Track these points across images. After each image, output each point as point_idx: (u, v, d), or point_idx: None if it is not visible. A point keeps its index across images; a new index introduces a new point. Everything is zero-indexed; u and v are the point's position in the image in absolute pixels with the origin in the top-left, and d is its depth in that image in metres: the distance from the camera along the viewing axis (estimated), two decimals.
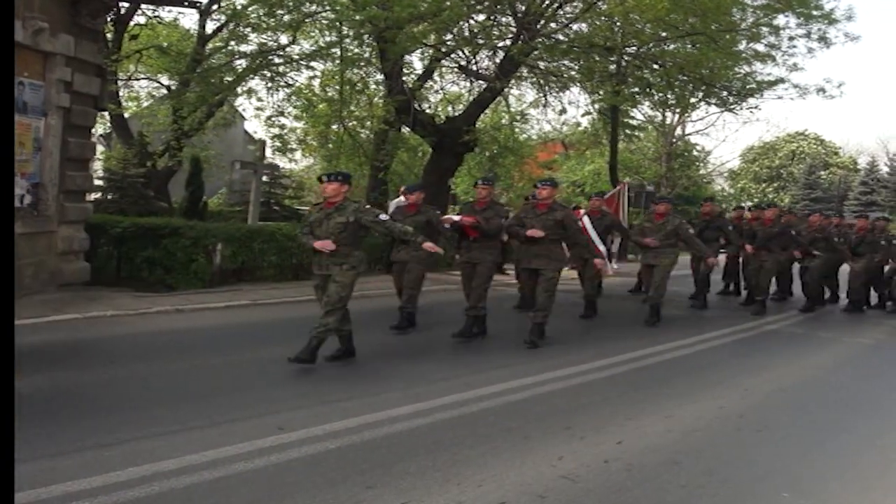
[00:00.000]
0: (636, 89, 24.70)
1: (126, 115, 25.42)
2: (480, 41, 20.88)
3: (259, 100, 23.95)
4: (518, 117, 28.34)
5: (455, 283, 16.57)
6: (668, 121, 45.20)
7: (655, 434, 7.17)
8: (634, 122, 35.35)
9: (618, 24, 20.31)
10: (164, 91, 26.59)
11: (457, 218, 11.70)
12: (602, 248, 14.31)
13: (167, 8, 22.10)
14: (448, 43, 21.32)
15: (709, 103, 28.01)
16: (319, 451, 6.13)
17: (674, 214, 14.56)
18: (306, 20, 20.28)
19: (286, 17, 19.46)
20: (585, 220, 14.06)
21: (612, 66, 22.97)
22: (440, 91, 25.48)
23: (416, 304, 11.99)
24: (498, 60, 21.35)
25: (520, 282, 14.66)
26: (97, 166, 25.62)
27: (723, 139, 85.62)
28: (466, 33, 20.96)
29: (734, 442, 7.16)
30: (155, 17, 22.53)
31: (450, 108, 26.21)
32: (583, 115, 29.95)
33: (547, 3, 19.87)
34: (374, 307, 13.24)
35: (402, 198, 14.64)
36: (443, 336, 11.50)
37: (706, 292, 17.40)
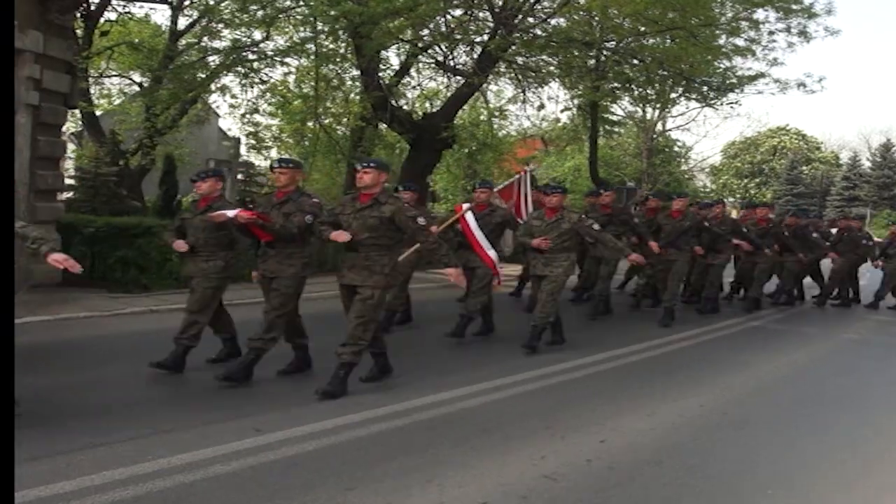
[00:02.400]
0: (616, 84, 24.79)
1: (97, 112, 25.22)
2: (458, 36, 20.87)
3: (233, 97, 23.80)
4: (497, 113, 28.35)
5: (436, 283, 16.60)
6: (648, 116, 45.39)
7: (637, 432, 7.20)
8: (614, 118, 35.56)
9: (596, 18, 20.36)
10: (137, 88, 26.48)
11: (231, 213, 8.47)
12: (492, 252, 11.36)
13: (138, 3, 22.09)
14: (425, 38, 21.31)
15: (689, 98, 28.23)
16: (298, 453, 6.12)
17: (570, 209, 11.42)
18: (280, 16, 20.24)
19: (259, 13, 19.39)
20: (469, 217, 11.47)
21: (591, 61, 23.03)
22: (417, 87, 25.45)
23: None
24: (475, 56, 21.35)
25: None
26: (68, 165, 25.52)
27: (704, 135, 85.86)
28: (443, 28, 20.96)
29: (716, 439, 7.21)
30: (126, 12, 22.46)
31: (427, 105, 26.18)
32: (562, 111, 30.00)
33: None
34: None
35: None
36: (419, 336, 11.58)
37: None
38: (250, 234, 8.64)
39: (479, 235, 11.28)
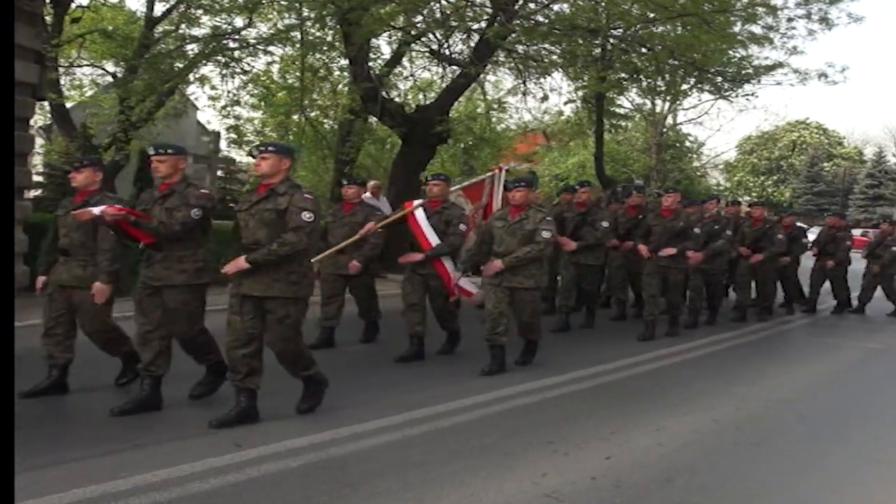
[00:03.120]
0: (623, 75, 24.71)
1: (68, 104, 25.22)
2: (453, 23, 20.84)
3: (213, 88, 23.73)
4: (495, 106, 28.32)
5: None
6: (657, 109, 45.41)
7: (645, 449, 7.20)
8: (621, 111, 35.46)
9: (602, 4, 20.33)
10: (110, 79, 26.39)
11: (97, 210, 7.38)
12: (447, 261, 10.57)
13: None
14: (418, 25, 21.26)
15: (701, 90, 28.20)
16: (280, 470, 6.12)
17: (537, 207, 10.55)
18: (263, 1, 20.23)
19: None
20: (419, 215, 10.62)
21: (597, 50, 22.93)
22: (410, 78, 25.40)
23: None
24: (473, 44, 21.31)
25: None
26: (36, 161, 25.52)
27: (717, 129, 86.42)
28: (438, 15, 20.90)
29: (730, 456, 7.21)
30: None
31: (421, 97, 26.20)
32: (565, 104, 29.89)
33: None
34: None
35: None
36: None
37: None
38: (127, 236, 7.68)
39: (431, 237, 10.51)
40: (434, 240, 10.48)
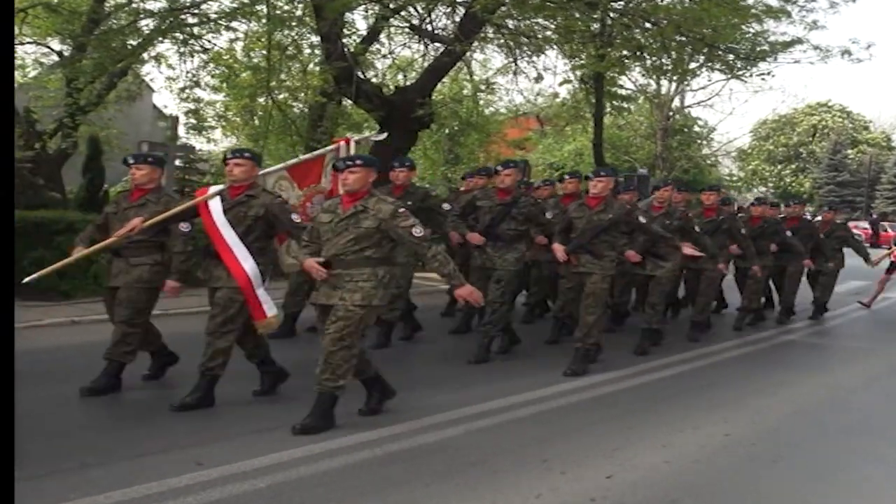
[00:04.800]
0: (625, 52, 24.68)
1: None
2: None
3: (170, 67, 23.72)
4: (483, 87, 28.38)
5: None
6: (663, 91, 45.46)
7: (650, 467, 7.23)
8: (623, 93, 35.47)
9: None
10: (56, 58, 26.31)
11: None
12: (245, 261, 8.47)
13: None
14: None
15: (712, 69, 28.14)
16: (246, 491, 6.14)
17: (381, 197, 8.20)
18: None
19: None
20: (214, 207, 8.68)
21: (596, 25, 22.97)
22: (389, 56, 25.44)
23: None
24: (458, 18, 21.34)
25: None
26: None
27: (729, 112, 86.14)
28: None
29: (744, 475, 7.24)
30: None
31: (400, 77, 26.23)
32: (561, 84, 29.93)
33: None
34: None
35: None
36: (390, 352, 11.55)
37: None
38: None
39: (228, 235, 8.57)
40: (230, 237, 8.53)
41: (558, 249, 11.21)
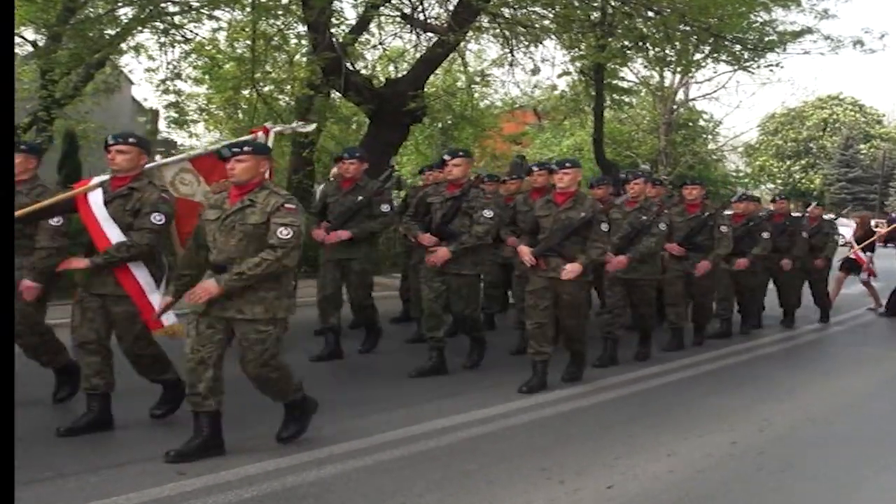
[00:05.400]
0: (626, 43, 24.71)
1: None
2: None
3: (150, 58, 23.61)
4: (478, 79, 28.38)
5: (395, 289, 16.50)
6: (666, 83, 45.47)
7: (653, 476, 7.23)
8: (624, 85, 35.50)
9: None
10: (30, 48, 26.27)
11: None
12: (135, 266, 7.95)
13: None
14: None
15: (718, 60, 28.17)
16: (230, 501, 6.13)
17: (274, 189, 7.48)
18: None
19: None
20: (94, 199, 7.98)
21: (596, 14, 22.99)
22: (379, 47, 25.40)
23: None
24: (451, 7, 21.33)
25: None
26: None
27: (736, 105, 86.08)
28: None
29: (752, 484, 7.24)
30: None
31: (392, 68, 26.20)
32: (559, 76, 29.98)
33: None
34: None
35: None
36: (381, 358, 11.58)
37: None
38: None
39: (111, 233, 7.90)
40: (114, 235, 7.86)
41: (524, 252, 10.29)
